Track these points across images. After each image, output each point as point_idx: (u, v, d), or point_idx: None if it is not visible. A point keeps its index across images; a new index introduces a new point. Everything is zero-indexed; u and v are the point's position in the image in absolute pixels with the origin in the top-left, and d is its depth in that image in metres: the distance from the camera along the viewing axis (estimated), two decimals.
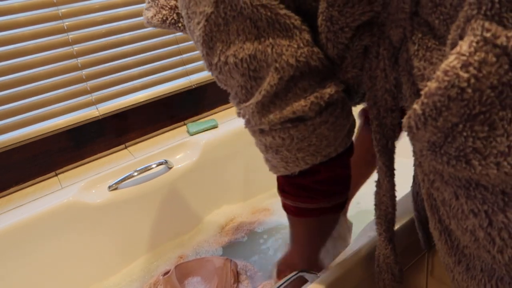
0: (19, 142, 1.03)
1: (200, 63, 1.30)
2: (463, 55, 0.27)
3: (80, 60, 1.09)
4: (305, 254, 0.61)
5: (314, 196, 0.51)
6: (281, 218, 1.16)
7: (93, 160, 1.16)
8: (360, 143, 0.71)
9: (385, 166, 0.45)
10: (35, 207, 0.96)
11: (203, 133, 1.22)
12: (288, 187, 0.53)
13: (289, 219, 0.59)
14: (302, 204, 0.53)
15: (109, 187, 1.04)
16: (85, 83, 1.11)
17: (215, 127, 1.24)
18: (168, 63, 1.24)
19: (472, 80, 0.27)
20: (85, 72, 1.10)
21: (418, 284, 0.70)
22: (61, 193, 1.01)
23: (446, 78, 0.28)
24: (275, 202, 1.23)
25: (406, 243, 0.61)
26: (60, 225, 0.97)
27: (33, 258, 0.95)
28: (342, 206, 0.55)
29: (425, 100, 0.29)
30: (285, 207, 0.56)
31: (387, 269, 0.52)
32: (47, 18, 1.03)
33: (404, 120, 0.32)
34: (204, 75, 1.30)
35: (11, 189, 1.05)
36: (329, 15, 0.38)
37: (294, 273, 0.61)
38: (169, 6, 0.51)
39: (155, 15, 0.52)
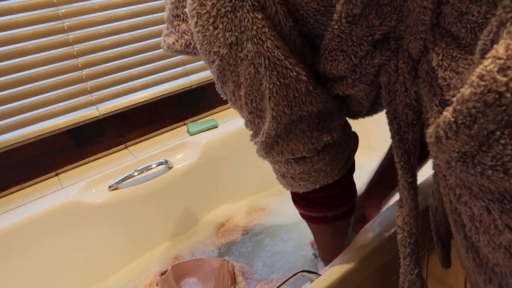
0: (19, 142, 1.03)
1: (200, 63, 1.30)
2: (500, 58, 0.26)
3: (80, 60, 1.09)
4: (326, 254, 0.67)
5: (319, 207, 0.56)
6: (278, 218, 1.16)
7: (93, 160, 1.16)
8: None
9: (408, 184, 0.44)
10: (36, 207, 0.96)
11: (203, 133, 1.22)
12: (297, 198, 0.57)
13: (307, 224, 0.65)
14: (311, 213, 0.57)
15: (109, 187, 1.04)
16: (85, 83, 1.11)
17: (215, 127, 1.24)
18: (168, 63, 1.24)
19: (511, 84, 0.25)
20: (85, 72, 1.10)
21: None
22: (61, 193, 1.02)
23: (482, 83, 0.26)
24: (272, 202, 1.23)
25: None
26: (60, 225, 0.97)
27: (33, 258, 0.95)
28: (350, 212, 0.59)
29: (458, 107, 0.28)
30: (301, 214, 0.61)
31: None
32: (47, 18, 1.03)
33: (431, 130, 0.31)
34: (204, 75, 1.30)
35: (12, 189, 1.05)
36: (347, 29, 0.38)
37: (294, 272, 0.61)
38: (191, 32, 0.50)
39: (177, 41, 0.52)
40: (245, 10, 0.38)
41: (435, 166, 0.39)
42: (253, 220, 1.16)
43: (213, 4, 0.40)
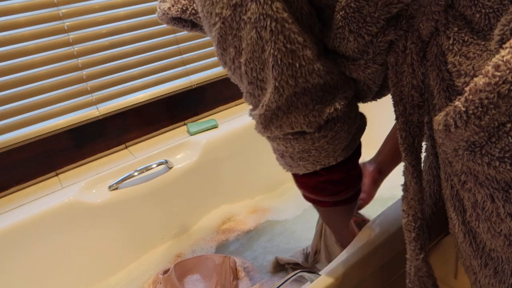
0: (20, 142, 1.03)
1: (200, 63, 1.30)
2: None
3: (81, 60, 1.09)
4: (334, 235, 0.67)
5: (320, 192, 0.52)
6: (278, 217, 1.17)
7: (94, 160, 1.16)
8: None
9: (412, 167, 0.43)
10: (36, 207, 0.96)
11: (203, 133, 1.22)
12: (298, 182, 0.54)
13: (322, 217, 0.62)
14: (313, 196, 0.53)
15: (110, 187, 1.04)
16: (85, 83, 1.11)
17: (215, 127, 1.24)
18: (168, 63, 1.24)
19: None
20: (85, 72, 1.10)
21: None
22: (62, 193, 1.02)
23: (497, 73, 0.26)
24: (273, 202, 1.23)
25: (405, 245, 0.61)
26: (60, 225, 0.97)
27: (34, 258, 0.95)
28: (354, 198, 0.54)
29: (470, 97, 0.27)
30: (303, 195, 0.56)
31: (420, 284, 0.48)
32: (48, 19, 1.03)
33: (439, 118, 0.30)
34: (204, 75, 1.31)
35: (12, 189, 1.05)
36: (355, 7, 0.36)
37: (294, 272, 0.61)
38: None
39: (173, 6, 0.49)
40: None
41: (441, 153, 0.38)
42: (253, 220, 1.17)
43: None
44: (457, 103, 0.29)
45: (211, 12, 0.40)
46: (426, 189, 0.49)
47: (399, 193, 0.47)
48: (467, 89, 0.28)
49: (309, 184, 0.52)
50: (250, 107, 0.46)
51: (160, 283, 0.95)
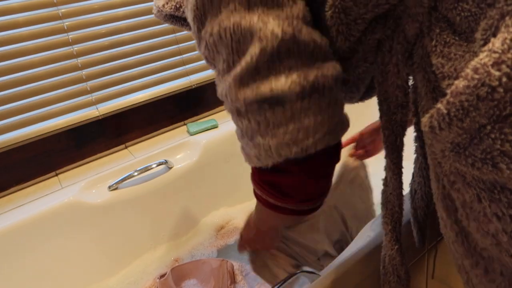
0: (19, 142, 1.03)
1: (200, 63, 1.30)
2: (495, 52, 0.25)
3: (80, 60, 1.09)
4: (263, 236, 0.60)
5: (282, 197, 0.45)
6: None
7: (93, 160, 1.16)
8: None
9: (393, 164, 0.44)
10: (36, 207, 0.96)
11: (203, 133, 1.22)
12: (260, 180, 0.46)
13: (257, 203, 0.52)
14: (270, 199, 0.45)
15: (109, 187, 1.04)
16: (85, 83, 1.11)
17: (215, 127, 1.24)
18: (168, 63, 1.24)
19: (504, 79, 0.25)
20: (85, 72, 1.10)
21: (419, 285, 0.71)
22: (62, 193, 1.02)
23: (476, 76, 0.26)
24: None
25: (406, 244, 0.61)
26: (60, 225, 0.97)
27: (33, 258, 0.95)
28: (313, 211, 0.47)
29: (451, 99, 0.28)
30: (255, 194, 0.49)
31: (393, 271, 0.51)
32: (47, 18, 1.03)
33: (425, 120, 0.31)
34: (204, 75, 1.30)
35: (11, 189, 1.05)
36: (343, 6, 0.36)
37: (294, 273, 0.61)
38: None
39: (167, 3, 0.49)
40: None
41: (430, 153, 0.38)
42: None
43: None
44: (439, 105, 0.29)
45: None
46: (417, 191, 0.50)
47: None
48: (448, 91, 0.28)
49: (274, 184, 0.44)
50: (219, 78, 0.40)
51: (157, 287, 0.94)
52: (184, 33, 1.25)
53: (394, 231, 0.48)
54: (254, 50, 0.35)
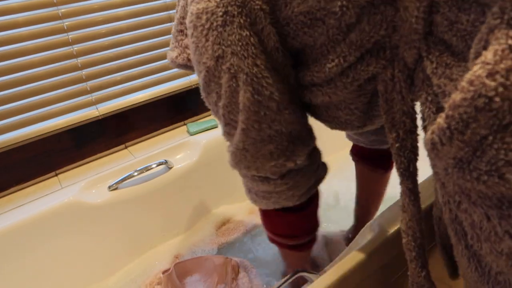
0: (19, 142, 1.03)
1: None
2: (488, 63, 0.26)
3: (80, 60, 1.09)
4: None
5: (279, 233, 0.62)
6: None
7: (93, 160, 1.16)
8: (365, 179, 0.83)
9: (409, 190, 0.44)
10: (35, 207, 0.96)
11: (203, 133, 1.22)
12: (263, 222, 0.64)
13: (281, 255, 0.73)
14: (273, 236, 0.63)
15: (109, 187, 1.04)
16: (85, 83, 1.11)
17: (215, 127, 1.24)
18: (168, 63, 1.24)
19: (500, 89, 0.26)
20: (85, 72, 1.10)
21: None
22: (61, 193, 1.02)
23: (472, 88, 0.27)
24: None
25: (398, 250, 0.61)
26: (60, 225, 0.97)
27: (33, 258, 0.95)
28: (306, 246, 0.64)
29: (450, 113, 0.28)
30: (267, 237, 0.66)
31: None
32: (47, 18, 1.03)
33: (427, 137, 0.31)
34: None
35: (11, 189, 1.05)
36: (334, 40, 0.39)
37: (294, 272, 0.61)
38: None
39: (179, 55, 0.54)
40: (234, 26, 0.40)
41: (434, 175, 0.38)
42: (254, 220, 1.16)
43: (207, 18, 0.42)
44: (439, 120, 0.29)
45: (199, 61, 0.45)
46: (441, 217, 0.50)
47: (399, 193, 0.48)
48: (446, 105, 0.29)
49: (273, 222, 0.61)
50: (228, 145, 0.52)
51: (159, 284, 0.95)
52: None
53: (420, 257, 0.47)
54: (240, 138, 0.47)
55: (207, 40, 0.43)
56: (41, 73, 1.04)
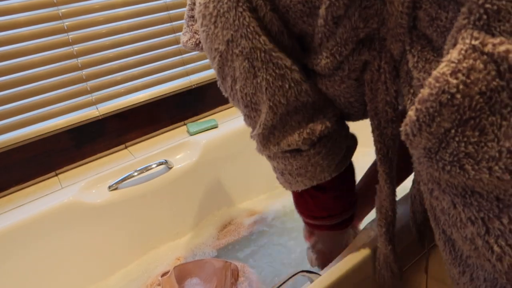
0: (19, 142, 1.03)
1: (200, 63, 1.30)
2: (453, 62, 0.28)
3: (80, 60, 1.09)
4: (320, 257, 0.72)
5: (315, 214, 0.60)
6: (279, 218, 1.16)
7: (93, 160, 1.16)
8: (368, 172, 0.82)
9: (385, 174, 0.47)
10: (35, 207, 0.96)
11: (203, 133, 1.22)
12: (298, 202, 0.61)
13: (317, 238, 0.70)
14: (308, 219, 0.62)
15: (109, 187, 1.04)
16: (85, 83, 1.11)
17: (215, 127, 1.24)
18: (168, 63, 1.24)
19: (461, 86, 0.27)
20: (85, 72, 1.10)
21: (418, 284, 0.71)
22: (61, 193, 1.02)
23: (437, 84, 0.28)
24: (273, 203, 1.23)
25: (406, 243, 0.61)
26: (60, 225, 0.97)
27: (33, 258, 0.95)
28: (344, 224, 0.62)
29: (419, 106, 0.30)
30: (304, 221, 0.66)
31: (387, 267, 0.55)
32: (47, 18, 1.03)
33: (402, 128, 0.33)
34: (204, 75, 1.30)
35: (11, 189, 1.05)
36: (329, 31, 0.41)
37: (294, 272, 0.61)
38: None
39: (189, 39, 0.56)
40: (240, 10, 0.42)
41: (413, 163, 0.41)
42: (254, 221, 1.16)
43: (214, 6, 0.43)
44: (410, 112, 0.31)
45: (211, 48, 0.47)
46: (416, 197, 0.53)
47: (400, 194, 0.52)
48: (416, 99, 0.30)
49: (307, 208, 0.60)
50: (251, 131, 0.52)
51: (159, 285, 0.94)
52: None
53: (388, 233, 0.52)
54: (268, 115, 0.46)
55: (216, 27, 0.44)
56: (41, 73, 1.04)
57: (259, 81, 0.45)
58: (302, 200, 0.60)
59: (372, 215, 0.72)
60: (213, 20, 0.44)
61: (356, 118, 0.53)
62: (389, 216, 0.50)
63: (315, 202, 0.58)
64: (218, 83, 0.51)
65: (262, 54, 0.43)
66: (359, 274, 0.58)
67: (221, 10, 0.43)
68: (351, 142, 0.55)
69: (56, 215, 0.96)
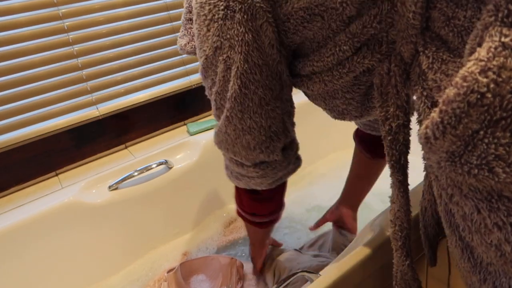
0: (20, 142, 1.03)
1: None
2: (482, 60, 0.27)
3: (81, 60, 1.09)
4: (255, 248, 0.91)
5: (244, 208, 0.71)
6: (283, 217, 1.16)
7: (94, 160, 1.16)
8: (357, 162, 0.86)
9: (398, 182, 0.46)
10: (36, 207, 0.96)
11: (203, 133, 1.22)
12: (242, 210, 0.73)
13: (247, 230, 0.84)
14: (240, 210, 0.73)
15: (109, 187, 1.04)
16: (85, 83, 1.11)
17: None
18: (168, 63, 1.24)
19: (492, 85, 0.26)
20: (85, 72, 1.10)
21: None
22: (62, 193, 1.02)
23: (465, 84, 0.27)
24: None
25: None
26: (60, 225, 0.97)
27: (34, 257, 0.95)
28: (269, 224, 0.74)
29: (444, 108, 0.29)
30: (244, 219, 0.75)
31: (406, 286, 0.51)
32: (48, 18, 1.03)
33: (421, 131, 0.32)
34: None
35: (11, 189, 1.05)
36: (332, 35, 0.41)
37: (294, 272, 0.61)
38: None
39: (188, 43, 0.57)
40: (234, 21, 0.43)
41: (427, 168, 0.40)
42: None
43: (210, 9, 0.44)
44: (433, 114, 0.30)
45: (200, 48, 0.49)
46: (427, 209, 0.51)
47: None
48: (440, 100, 0.29)
49: (242, 199, 0.69)
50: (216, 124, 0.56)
51: (165, 281, 0.94)
52: None
53: (405, 247, 0.49)
54: (224, 122, 0.51)
55: (208, 30, 0.45)
56: (42, 73, 1.04)
57: (228, 88, 0.48)
58: (237, 193, 0.70)
59: (373, 215, 0.72)
60: (206, 22, 0.45)
61: (354, 117, 0.52)
62: (404, 229, 0.48)
63: (246, 199, 0.68)
64: (201, 78, 0.53)
65: (235, 69, 0.45)
66: (359, 274, 0.58)
67: (216, 16, 0.43)
68: (291, 169, 0.59)
69: (56, 215, 0.97)
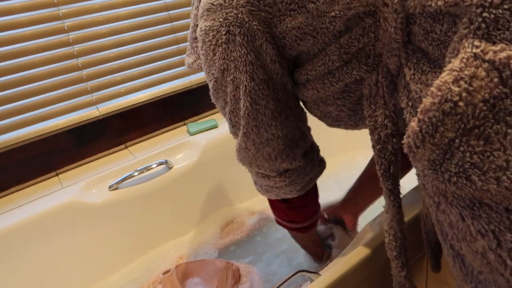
0: (20, 142, 1.03)
1: None
2: (454, 70, 0.28)
3: (81, 60, 1.09)
4: (309, 249, 0.89)
5: (284, 218, 0.72)
6: None
7: (94, 160, 1.16)
8: (371, 174, 0.84)
9: (389, 191, 0.46)
10: (36, 207, 0.96)
11: (203, 133, 1.22)
12: (271, 205, 0.73)
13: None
14: (280, 220, 0.74)
15: (110, 187, 1.04)
16: (85, 83, 1.11)
17: (215, 127, 1.24)
18: (168, 63, 1.24)
19: (464, 94, 0.27)
20: (85, 72, 1.10)
21: (418, 284, 0.71)
22: (62, 193, 1.02)
23: (439, 93, 0.28)
24: None
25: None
26: (60, 225, 0.97)
27: (34, 257, 0.95)
28: (309, 228, 0.74)
29: (421, 117, 0.30)
30: (288, 229, 0.77)
31: None
32: (48, 19, 1.03)
33: (404, 140, 0.33)
34: (204, 75, 1.30)
35: (11, 189, 1.05)
36: (322, 48, 0.44)
37: (294, 272, 0.61)
38: None
39: (195, 61, 0.60)
40: (236, 44, 0.46)
41: (417, 176, 0.40)
42: (255, 221, 1.16)
43: (213, 35, 0.47)
44: (412, 123, 0.31)
45: (208, 72, 0.53)
46: (427, 215, 0.52)
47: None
48: (418, 110, 0.30)
49: (277, 209, 0.71)
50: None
51: (161, 283, 0.95)
52: (184, 33, 1.25)
53: (400, 257, 0.48)
54: (242, 139, 0.54)
55: (214, 55, 0.49)
56: (42, 73, 1.04)
57: (240, 107, 0.50)
58: (271, 204, 0.72)
59: (370, 216, 0.72)
60: (212, 47, 0.48)
61: (349, 125, 0.53)
62: (399, 238, 0.48)
63: (281, 209, 0.70)
64: (213, 99, 0.57)
65: (244, 88, 0.48)
66: (359, 274, 0.58)
67: (219, 41, 0.47)
68: (316, 172, 0.62)
69: (56, 215, 0.97)
